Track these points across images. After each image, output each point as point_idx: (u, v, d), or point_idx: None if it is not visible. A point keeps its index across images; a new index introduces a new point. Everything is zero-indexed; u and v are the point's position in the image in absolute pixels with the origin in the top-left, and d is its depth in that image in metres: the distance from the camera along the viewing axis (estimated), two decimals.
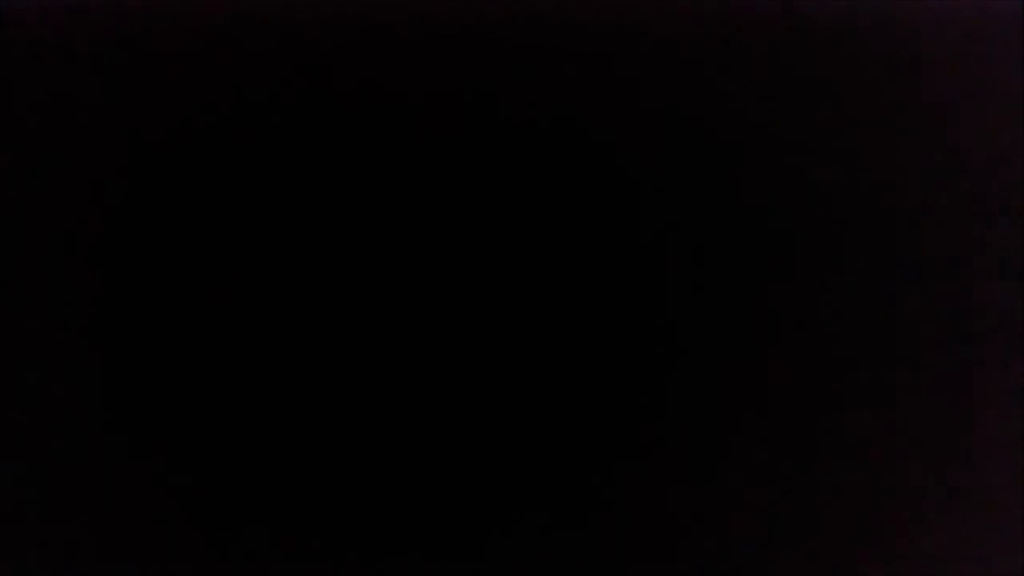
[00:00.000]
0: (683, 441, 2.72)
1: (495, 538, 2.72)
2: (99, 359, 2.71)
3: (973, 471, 2.74)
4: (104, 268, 2.72)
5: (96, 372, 2.71)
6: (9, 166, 2.72)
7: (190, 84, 2.73)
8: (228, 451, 2.71)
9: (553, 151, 2.74)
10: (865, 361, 2.74)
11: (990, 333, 2.75)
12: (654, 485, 2.72)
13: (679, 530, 2.73)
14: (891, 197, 2.76)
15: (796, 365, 2.73)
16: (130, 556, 2.71)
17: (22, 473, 2.70)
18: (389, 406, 2.73)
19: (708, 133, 2.75)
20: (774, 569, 2.73)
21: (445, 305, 2.73)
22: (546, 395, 2.72)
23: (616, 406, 2.72)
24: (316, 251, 2.73)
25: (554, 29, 2.75)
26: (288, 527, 2.72)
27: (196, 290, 2.72)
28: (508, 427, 2.72)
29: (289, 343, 2.72)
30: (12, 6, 2.75)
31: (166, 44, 2.73)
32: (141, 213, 2.73)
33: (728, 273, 2.73)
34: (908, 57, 2.77)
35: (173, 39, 2.74)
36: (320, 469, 2.72)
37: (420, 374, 2.72)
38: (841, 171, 2.75)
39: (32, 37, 2.74)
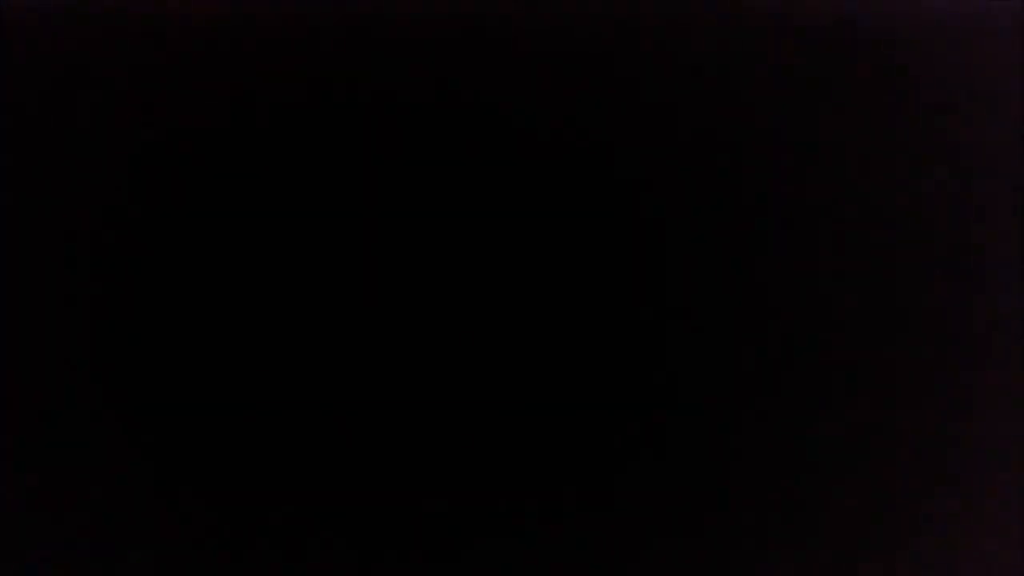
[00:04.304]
0: (681, 441, 2.73)
1: (494, 539, 2.72)
2: (100, 359, 2.71)
3: (973, 471, 2.74)
4: (104, 269, 2.72)
5: (96, 373, 2.71)
6: (9, 166, 2.72)
7: (190, 84, 2.73)
8: (228, 451, 2.71)
9: (552, 151, 2.74)
10: (865, 361, 2.73)
11: (990, 333, 2.75)
12: (653, 485, 2.72)
13: (679, 531, 2.73)
14: (891, 197, 2.76)
15: (796, 365, 2.73)
16: (130, 556, 2.71)
17: (22, 473, 2.70)
18: (391, 408, 2.73)
19: (708, 133, 2.75)
20: (774, 569, 2.73)
21: (442, 306, 2.73)
22: (545, 396, 2.72)
23: (615, 407, 2.72)
24: (317, 252, 2.73)
25: (554, 29, 2.75)
26: (288, 527, 2.72)
27: (196, 291, 2.72)
28: (508, 429, 2.72)
29: (290, 344, 2.72)
30: (12, 6, 2.75)
31: (166, 44, 2.73)
32: (141, 214, 2.73)
33: (727, 273, 2.73)
34: (908, 57, 2.77)
35: (173, 39, 2.74)
36: (321, 469, 2.72)
37: (421, 377, 2.73)
38: (841, 171, 2.75)
39: (32, 37, 2.74)
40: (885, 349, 2.74)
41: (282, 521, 2.72)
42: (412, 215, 2.74)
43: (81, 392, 2.71)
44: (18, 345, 2.71)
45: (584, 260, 2.73)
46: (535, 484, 2.72)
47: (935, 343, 2.75)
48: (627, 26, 2.76)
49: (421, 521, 2.72)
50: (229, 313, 2.72)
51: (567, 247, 2.73)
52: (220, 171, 2.73)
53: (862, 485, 2.73)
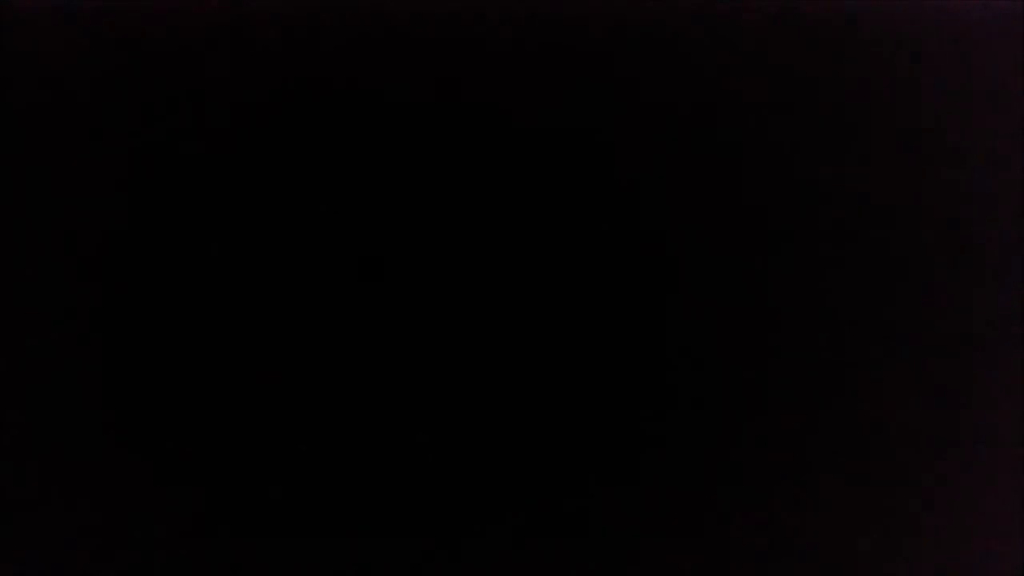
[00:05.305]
0: (682, 441, 2.73)
1: (493, 539, 2.72)
2: (100, 360, 2.71)
3: (973, 471, 2.74)
4: (104, 269, 2.72)
5: (96, 373, 2.71)
6: (9, 166, 2.72)
7: (190, 84, 2.73)
8: (228, 451, 2.71)
9: (553, 151, 2.74)
10: (865, 361, 2.74)
11: (990, 333, 2.75)
12: (653, 485, 2.72)
13: (678, 530, 2.73)
14: (891, 197, 2.76)
15: (796, 365, 2.73)
16: (130, 556, 2.71)
17: (22, 473, 2.70)
18: (391, 410, 2.73)
19: (708, 133, 2.75)
20: (774, 569, 2.73)
21: (442, 305, 2.73)
22: (545, 396, 2.72)
23: (615, 407, 2.72)
24: (317, 253, 2.73)
25: (554, 29, 2.75)
26: (288, 527, 2.72)
27: (196, 290, 2.72)
28: (508, 429, 2.72)
29: (289, 344, 2.72)
30: (12, 6, 2.75)
31: (166, 44, 2.73)
32: (140, 214, 2.73)
33: (728, 273, 2.73)
34: (908, 57, 2.77)
35: (173, 39, 2.74)
36: (321, 470, 2.72)
37: (421, 378, 2.73)
38: (841, 171, 2.75)
39: (32, 37, 2.74)
40: (885, 348, 2.74)
41: (282, 520, 2.72)
42: (412, 215, 2.74)
43: (80, 392, 2.71)
44: (18, 345, 2.71)
45: (584, 260, 2.73)
46: (535, 484, 2.72)
47: (935, 342, 2.75)
48: (627, 26, 2.76)
49: (421, 521, 2.72)
50: (228, 313, 2.72)
51: (567, 247, 2.73)
52: (219, 171, 2.73)
53: (861, 485, 2.73)
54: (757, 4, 2.77)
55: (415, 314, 2.73)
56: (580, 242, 2.73)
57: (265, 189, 2.73)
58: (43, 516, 2.71)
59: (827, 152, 2.76)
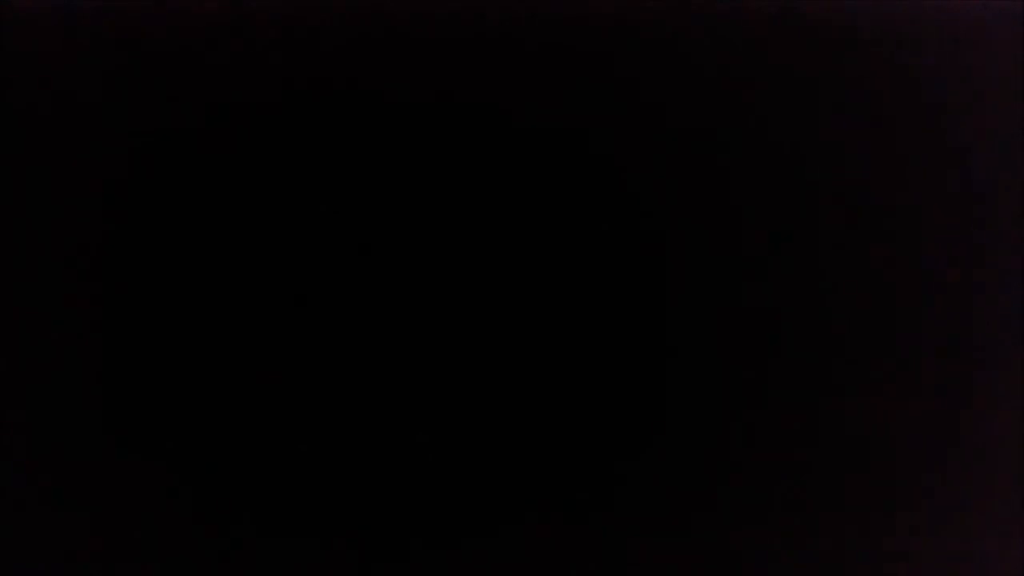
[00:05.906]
0: (682, 441, 2.73)
1: (493, 539, 2.72)
2: (100, 360, 2.71)
3: (973, 471, 2.74)
4: (104, 269, 2.72)
5: (97, 373, 2.71)
6: (9, 166, 2.72)
7: (190, 84, 2.73)
8: (229, 452, 2.71)
9: (552, 152, 2.74)
10: (865, 361, 2.73)
11: (990, 333, 2.75)
12: (653, 485, 2.72)
13: (679, 531, 2.73)
14: (891, 197, 2.76)
15: (796, 365, 2.73)
16: (130, 556, 2.71)
17: (22, 473, 2.70)
18: (391, 410, 2.73)
19: (708, 133, 2.75)
20: (774, 569, 2.73)
21: (443, 307, 2.73)
22: (545, 396, 2.72)
23: (615, 407, 2.72)
24: (317, 253, 2.73)
25: (554, 29, 2.75)
26: (289, 528, 2.72)
27: (195, 290, 2.72)
28: (508, 429, 2.72)
29: (290, 345, 2.72)
30: (12, 6, 2.75)
31: (166, 44, 2.73)
32: (140, 214, 2.73)
33: (727, 273, 2.73)
34: (908, 57, 2.77)
35: (173, 39, 2.74)
36: (321, 470, 2.72)
37: (421, 378, 2.73)
38: (841, 171, 2.75)
39: (32, 37, 2.74)
40: (885, 349, 2.74)
41: (281, 520, 2.72)
42: (412, 215, 2.74)
43: (80, 392, 2.71)
44: (18, 345, 2.71)
45: (583, 260, 2.73)
46: (534, 483, 2.72)
47: (935, 343, 2.75)
48: (627, 26, 2.76)
49: (420, 520, 2.72)
50: (228, 312, 2.72)
51: (567, 247, 2.73)
52: (219, 171, 2.73)
53: (862, 485, 2.73)
54: (757, 4, 2.77)
55: (415, 314, 2.73)
56: (580, 242, 2.73)
57: (265, 189, 2.73)
58: (43, 516, 2.71)
59: (827, 152, 2.76)
